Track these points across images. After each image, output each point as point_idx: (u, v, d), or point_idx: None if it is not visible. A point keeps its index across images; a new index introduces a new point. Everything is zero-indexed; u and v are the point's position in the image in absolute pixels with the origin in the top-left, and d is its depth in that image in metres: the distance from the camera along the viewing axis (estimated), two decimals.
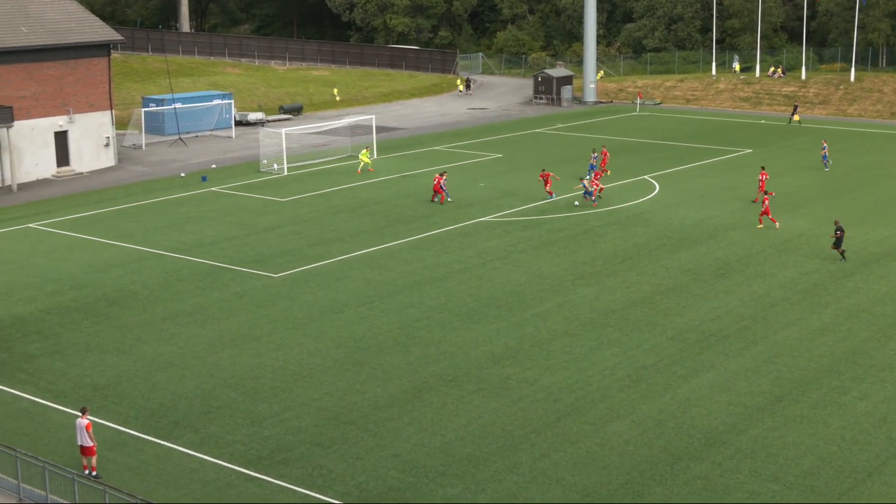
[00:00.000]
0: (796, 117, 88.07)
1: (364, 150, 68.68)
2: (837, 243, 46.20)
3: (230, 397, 33.02)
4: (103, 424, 31.00)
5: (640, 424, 30.96)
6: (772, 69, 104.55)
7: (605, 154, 66.46)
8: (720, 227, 53.00)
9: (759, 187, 58.92)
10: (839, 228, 46.22)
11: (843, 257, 46.28)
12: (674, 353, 36.24)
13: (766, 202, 52.44)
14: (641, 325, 38.90)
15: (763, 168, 60.52)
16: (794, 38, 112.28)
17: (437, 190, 58.18)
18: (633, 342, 37.28)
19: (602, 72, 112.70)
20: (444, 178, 58.97)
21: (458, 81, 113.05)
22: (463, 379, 34.21)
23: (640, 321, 39.36)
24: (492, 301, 41.82)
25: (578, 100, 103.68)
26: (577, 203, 56.90)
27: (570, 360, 35.62)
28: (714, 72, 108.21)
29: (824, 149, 68.48)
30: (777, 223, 52.26)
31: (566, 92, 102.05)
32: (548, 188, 58.68)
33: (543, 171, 60.26)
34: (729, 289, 43.14)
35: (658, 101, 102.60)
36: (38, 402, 32.79)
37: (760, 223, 52.54)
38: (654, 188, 61.98)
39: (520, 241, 50.46)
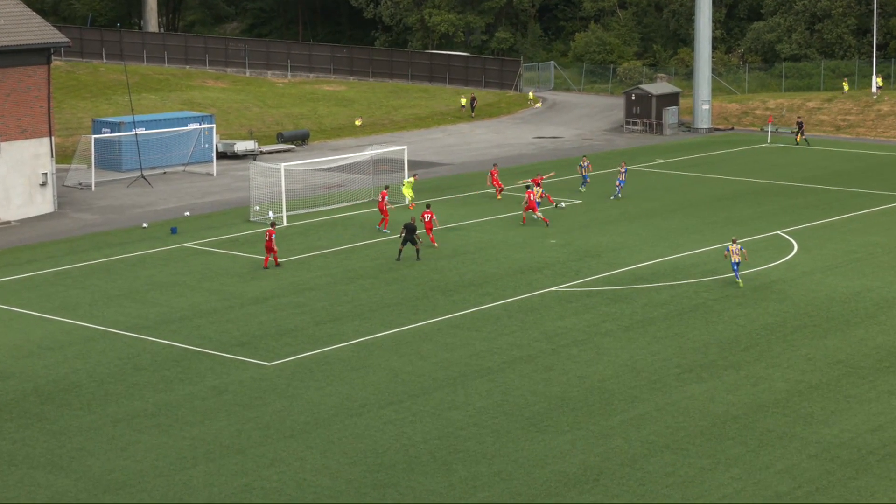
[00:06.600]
0: (799, 137, 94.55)
1: (410, 179, 72.60)
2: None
3: None
4: None
5: None
6: None
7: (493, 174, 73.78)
8: (884, 302, 52.57)
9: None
10: None
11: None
12: (818, 478, 35.82)
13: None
14: (773, 438, 38.55)
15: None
16: None
17: (384, 211, 64.27)
18: (761, 461, 36.93)
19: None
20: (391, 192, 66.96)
21: (463, 99, 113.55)
22: None
23: (770, 432, 39.02)
24: (565, 402, 41.63)
25: (687, 126, 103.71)
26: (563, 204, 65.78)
27: (674, 486, 35.31)
28: (875, 88, 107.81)
29: (624, 171, 74.15)
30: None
31: (670, 115, 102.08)
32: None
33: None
34: None
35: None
36: None
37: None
38: (792, 248, 61.66)
39: (605, 320, 50.33)
